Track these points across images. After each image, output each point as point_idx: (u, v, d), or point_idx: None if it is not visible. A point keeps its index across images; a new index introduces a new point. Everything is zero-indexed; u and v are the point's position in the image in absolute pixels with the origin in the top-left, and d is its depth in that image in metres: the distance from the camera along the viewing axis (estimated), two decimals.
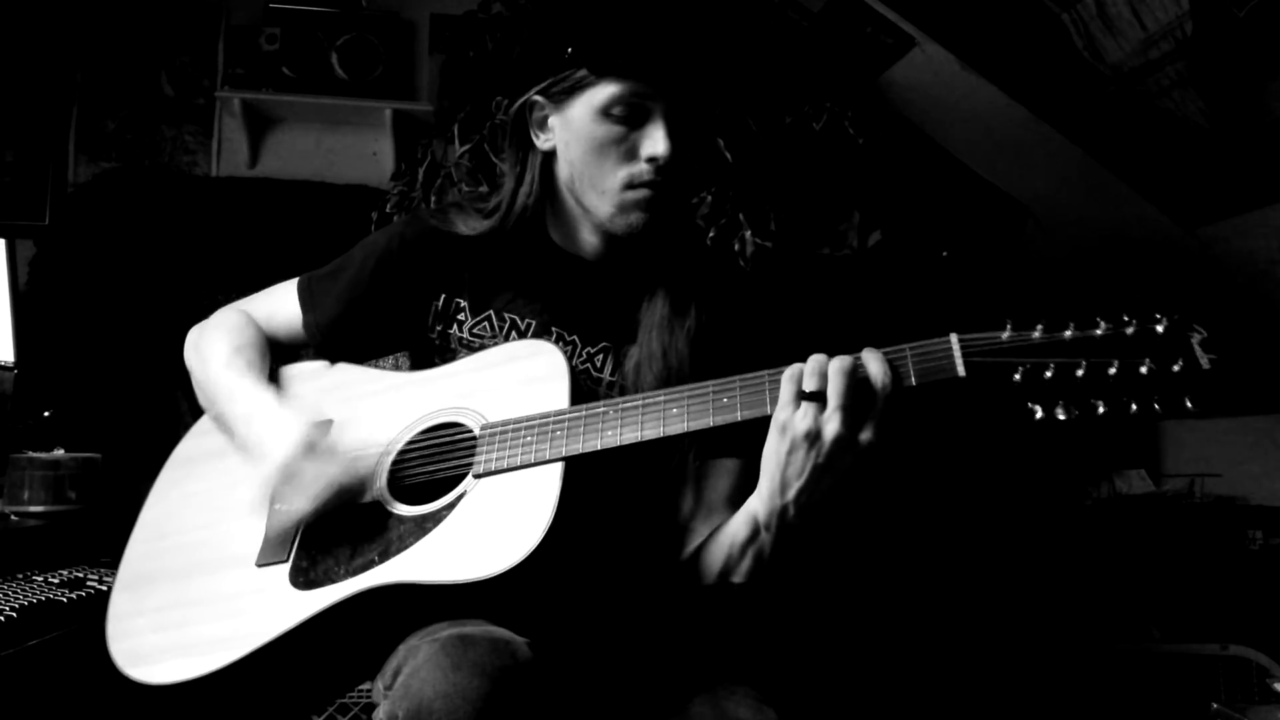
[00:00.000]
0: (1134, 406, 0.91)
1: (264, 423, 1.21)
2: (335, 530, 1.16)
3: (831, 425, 0.97)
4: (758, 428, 1.04)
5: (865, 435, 0.98)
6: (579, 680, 1.16)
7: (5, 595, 1.38)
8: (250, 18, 3.08)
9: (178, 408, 2.62)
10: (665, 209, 1.22)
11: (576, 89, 1.19)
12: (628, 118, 1.18)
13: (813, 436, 0.98)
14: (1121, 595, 2.56)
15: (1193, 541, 2.60)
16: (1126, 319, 0.92)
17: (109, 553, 1.66)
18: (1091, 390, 0.92)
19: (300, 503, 1.14)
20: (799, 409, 0.98)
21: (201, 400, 1.36)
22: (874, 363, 0.98)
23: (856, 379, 0.97)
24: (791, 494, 1.03)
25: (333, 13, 3.02)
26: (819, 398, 0.98)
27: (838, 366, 0.97)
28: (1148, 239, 2.74)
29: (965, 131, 2.88)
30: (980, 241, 2.94)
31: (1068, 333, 0.93)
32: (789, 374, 0.99)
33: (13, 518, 1.78)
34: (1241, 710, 1.91)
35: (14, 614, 1.30)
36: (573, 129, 1.21)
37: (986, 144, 2.88)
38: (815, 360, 0.99)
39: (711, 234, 2.37)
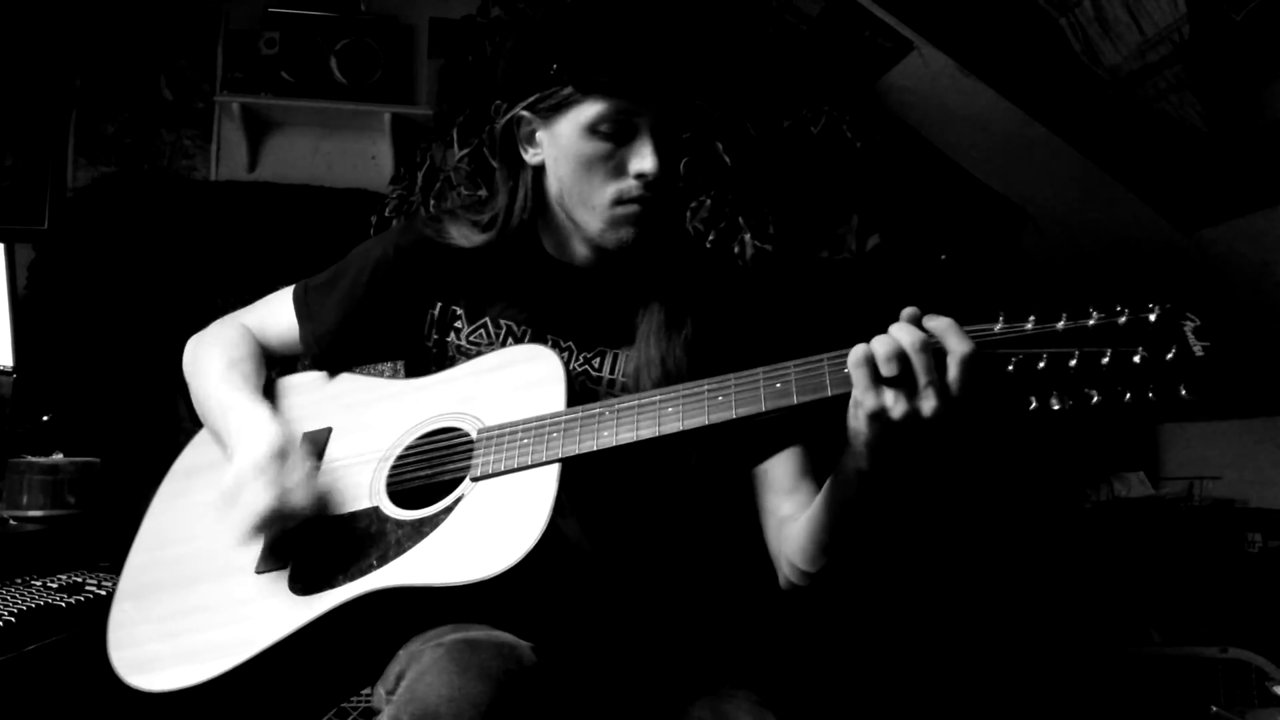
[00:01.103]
0: (1128, 395, 0.90)
1: (242, 433, 1.20)
2: (334, 535, 1.16)
3: (929, 402, 0.91)
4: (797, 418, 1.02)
5: (954, 397, 0.92)
6: (582, 684, 1.16)
7: (3, 600, 1.38)
8: (249, 22, 3.08)
9: (177, 412, 2.62)
10: (655, 223, 1.22)
11: (563, 106, 1.18)
12: (615, 134, 1.17)
13: (912, 416, 0.92)
14: (1121, 598, 2.56)
15: (1192, 544, 2.60)
16: (1119, 309, 0.91)
17: (108, 557, 1.66)
18: (1085, 380, 0.91)
19: (259, 500, 1.12)
20: (888, 395, 0.93)
21: (199, 413, 1.36)
22: (951, 335, 0.92)
23: (934, 350, 0.92)
24: (897, 468, 1.00)
25: (332, 17, 3.03)
26: (904, 380, 0.92)
27: (914, 344, 0.91)
28: (1146, 242, 2.75)
29: (963, 135, 2.89)
30: (978, 245, 2.94)
31: (1060, 323, 0.92)
32: (859, 360, 0.93)
33: (11, 522, 1.78)
34: (1240, 713, 1.91)
35: (12, 619, 1.30)
36: (560, 145, 1.21)
37: (984, 148, 2.89)
38: (885, 344, 0.92)
39: (711, 237, 2.37)
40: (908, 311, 0.95)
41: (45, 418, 2.25)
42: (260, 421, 1.21)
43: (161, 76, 3.12)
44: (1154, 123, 2.41)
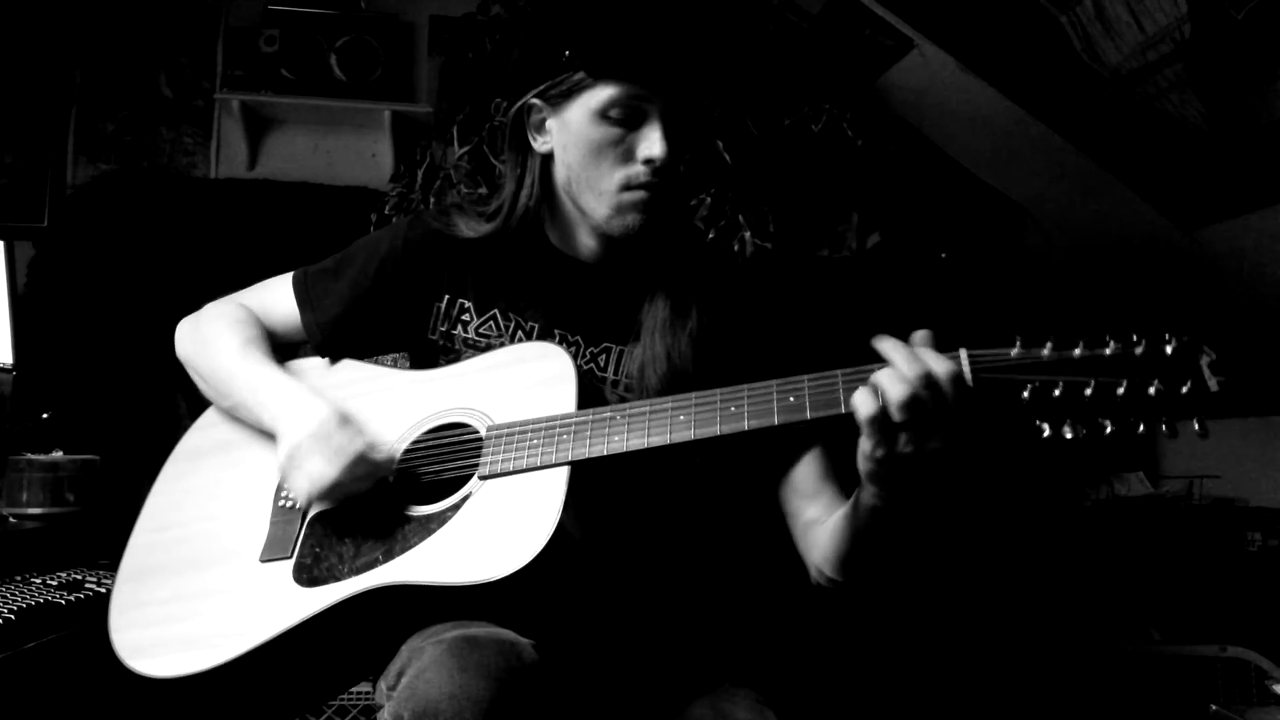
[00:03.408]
0: (1141, 427, 0.90)
1: (289, 403, 1.21)
2: (339, 527, 1.16)
3: (935, 440, 0.92)
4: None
5: (954, 426, 0.93)
6: (583, 681, 1.16)
7: (3, 597, 1.38)
8: (249, 19, 3.08)
9: (177, 409, 2.62)
10: (662, 211, 1.22)
11: (574, 91, 1.19)
12: (625, 120, 1.18)
13: (918, 454, 0.93)
14: (1120, 597, 2.56)
15: (1191, 543, 2.60)
16: (1136, 338, 0.91)
17: (107, 555, 1.65)
18: (1099, 410, 0.91)
19: (327, 470, 1.14)
20: (900, 438, 0.93)
21: (209, 391, 1.35)
22: (939, 364, 0.92)
23: (939, 387, 0.91)
24: (909, 502, 1.02)
25: (332, 14, 3.02)
26: (914, 422, 0.91)
27: (923, 380, 0.90)
28: (1146, 241, 2.75)
29: (964, 133, 2.89)
30: (979, 243, 2.94)
31: (1077, 351, 0.92)
32: (869, 415, 0.92)
33: (11, 520, 1.78)
34: (1240, 712, 1.91)
35: (12, 616, 1.30)
36: (570, 131, 1.21)
37: (985, 146, 2.89)
38: (895, 390, 0.90)
39: (711, 235, 2.37)
40: (918, 336, 0.95)
41: (45, 415, 2.25)
42: (304, 394, 1.22)
43: (161, 74, 3.11)
44: (1155, 121, 2.40)
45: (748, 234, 2.39)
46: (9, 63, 2.91)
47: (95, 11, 3.03)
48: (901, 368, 0.91)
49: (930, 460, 0.93)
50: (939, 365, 0.91)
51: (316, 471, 1.14)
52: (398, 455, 1.21)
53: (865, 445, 0.95)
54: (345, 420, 1.18)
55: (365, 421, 1.23)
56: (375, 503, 1.17)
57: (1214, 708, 1.93)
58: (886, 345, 0.94)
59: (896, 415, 0.91)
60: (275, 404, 1.22)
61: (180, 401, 2.58)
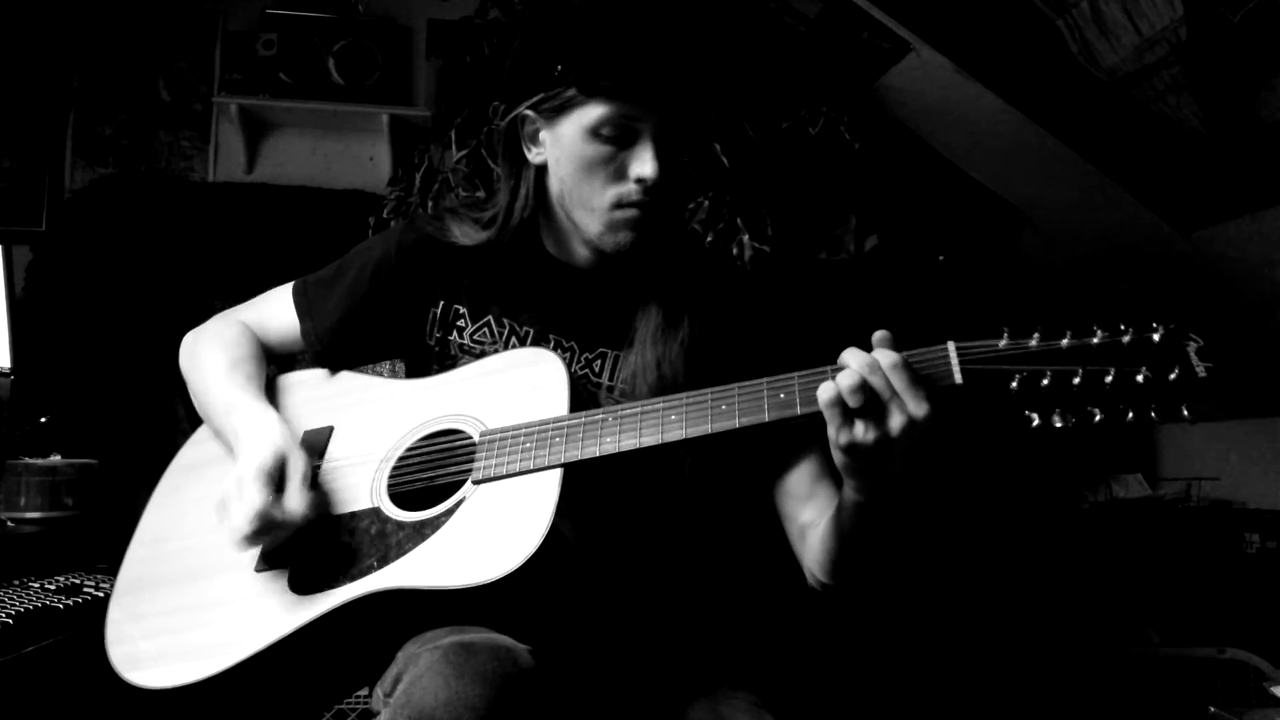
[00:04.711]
0: (1130, 414, 0.91)
1: (247, 435, 1.18)
2: (334, 535, 1.16)
3: (896, 420, 0.94)
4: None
5: (921, 410, 0.94)
6: (580, 686, 1.16)
7: (2, 602, 1.38)
8: (247, 23, 3.09)
9: (175, 413, 2.62)
10: (654, 228, 1.22)
11: (566, 107, 1.18)
12: (617, 138, 1.17)
13: (884, 440, 0.95)
14: (1119, 599, 2.56)
15: (1190, 545, 2.60)
16: (1123, 327, 0.92)
17: (106, 559, 1.66)
18: (1088, 398, 0.92)
19: (238, 520, 1.09)
20: (858, 425, 0.96)
21: (199, 410, 1.36)
22: (884, 355, 0.95)
23: (883, 371, 0.95)
24: (890, 487, 1.02)
25: (329, 18, 3.03)
26: (869, 407, 0.95)
27: (869, 366, 0.95)
28: (1143, 243, 2.75)
29: (961, 136, 2.89)
30: (977, 246, 2.95)
31: (1064, 340, 0.93)
32: (827, 400, 0.95)
33: (9, 524, 1.78)
34: (1238, 714, 1.91)
35: (10, 620, 1.30)
36: (562, 146, 1.21)
37: (982, 149, 2.89)
38: (849, 377, 0.94)
39: (709, 239, 2.37)
40: (877, 336, 0.98)
41: (43, 419, 2.25)
42: (265, 424, 1.19)
43: (159, 78, 3.12)
44: (1152, 124, 2.41)
45: (746, 237, 2.39)
46: (7, 67, 2.91)
47: (93, 15, 3.03)
48: (850, 361, 0.96)
49: (897, 448, 0.95)
50: (884, 356, 0.95)
51: (244, 507, 1.10)
52: (386, 471, 1.20)
53: (830, 432, 0.98)
54: (284, 457, 1.13)
55: (358, 432, 1.23)
56: (368, 511, 1.17)
57: (1212, 709, 1.93)
58: (846, 351, 0.99)
59: (850, 400, 0.94)
60: (239, 432, 1.20)
61: (178, 405, 2.58)
